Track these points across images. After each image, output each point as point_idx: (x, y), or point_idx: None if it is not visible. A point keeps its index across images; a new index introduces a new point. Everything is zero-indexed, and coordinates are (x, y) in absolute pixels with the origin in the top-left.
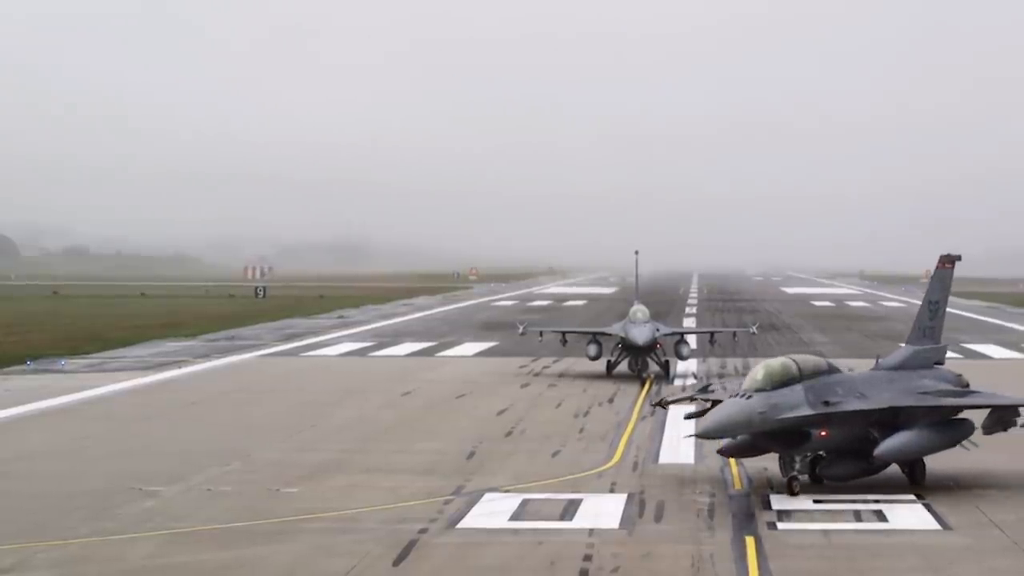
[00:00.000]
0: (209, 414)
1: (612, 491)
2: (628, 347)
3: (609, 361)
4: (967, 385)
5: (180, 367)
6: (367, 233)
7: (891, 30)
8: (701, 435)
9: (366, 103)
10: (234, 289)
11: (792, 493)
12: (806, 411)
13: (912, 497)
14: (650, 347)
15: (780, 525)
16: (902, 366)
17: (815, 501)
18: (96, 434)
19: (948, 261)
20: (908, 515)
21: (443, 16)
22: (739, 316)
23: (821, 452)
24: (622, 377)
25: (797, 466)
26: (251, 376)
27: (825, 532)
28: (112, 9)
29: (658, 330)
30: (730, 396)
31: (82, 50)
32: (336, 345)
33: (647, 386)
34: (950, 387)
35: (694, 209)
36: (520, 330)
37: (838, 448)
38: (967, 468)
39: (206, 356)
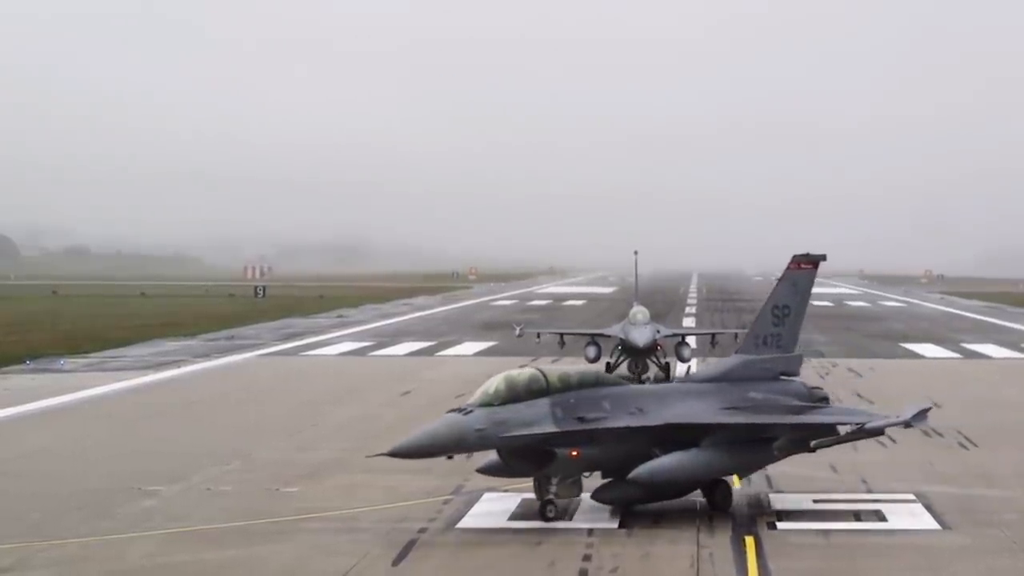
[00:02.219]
0: (209, 414)
1: None
2: (628, 349)
3: (608, 363)
4: (826, 399)
5: (180, 367)
6: (366, 233)
7: (891, 30)
8: (393, 454)
9: (366, 103)
10: (234, 289)
11: (545, 519)
12: (548, 428)
13: (911, 497)
14: (650, 349)
15: (780, 525)
16: (725, 377)
17: (814, 501)
18: (96, 434)
19: (805, 261)
20: (907, 515)
21: (443, 17)
22: (739, 316)
23: (585, 474)
24: (622, 372)
25: (553, 489)
26: (251, 376)
27: (824, 532)
28: (112, 10)
29: (658, 331)
30: (448, 412)
31: (82, 51)
32: (336, 345)
33: None
34: (793, 401)
35: (694, 209)
36: (517, 331)
37: (605, 469)
38: (967, 468)
39: (206, 356)
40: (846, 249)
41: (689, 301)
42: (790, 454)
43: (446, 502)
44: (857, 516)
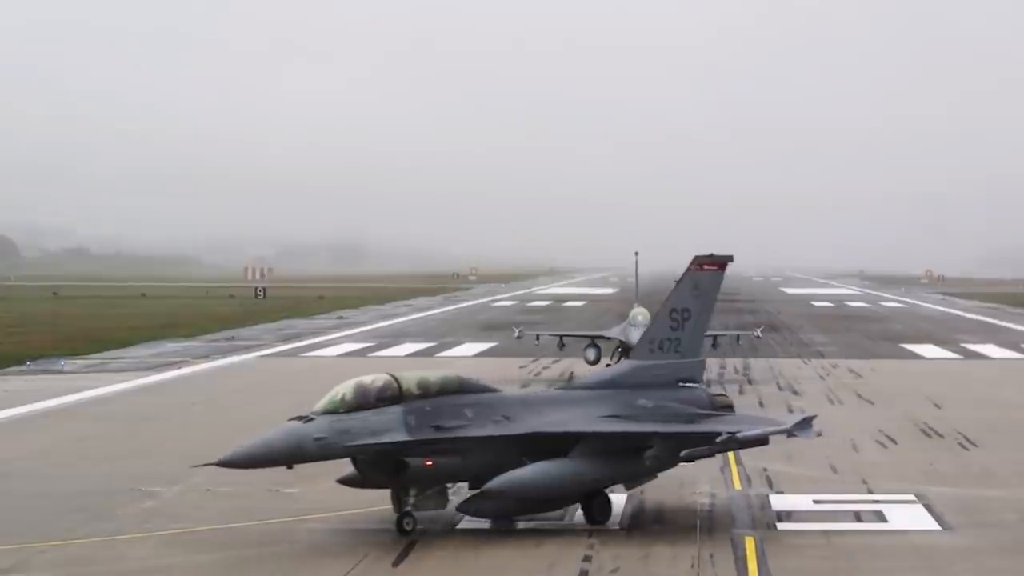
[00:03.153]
0: (209, 414)
1: (611, 491)
2: (627, 351)
3: (608, 365)
4: (730, 406)
5: (180, 367)
6: (367, 234)
7: (892, 34)
8: (224, 463)
9: (366, 104)
10: (234, 290)
11: (402, 532)
12: (399, 437)
13: (912, 497)
14: None
15: (780, 525)
16: (612, 384)
17: (815, 502)
18: (96, 434)
19: (709, 263)
20: (907, 515)
21: (445, 19)
22: (739, 316)
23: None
24: None
25: (412, 501)
26: (251, 376)
27: (825, 532)
28: (113, 13)
29: None
30: (289, 420)
31: (83, 53)
32: (336, 346)
33: None
34: (691, 409)
35: (694, 210)
36: (516, 333)
37: (468, 480)
38: (967, 468)
39: (206, 356)
40: (846, 250)
41: None
42: (667, 465)
43: None
44: (858, 517)
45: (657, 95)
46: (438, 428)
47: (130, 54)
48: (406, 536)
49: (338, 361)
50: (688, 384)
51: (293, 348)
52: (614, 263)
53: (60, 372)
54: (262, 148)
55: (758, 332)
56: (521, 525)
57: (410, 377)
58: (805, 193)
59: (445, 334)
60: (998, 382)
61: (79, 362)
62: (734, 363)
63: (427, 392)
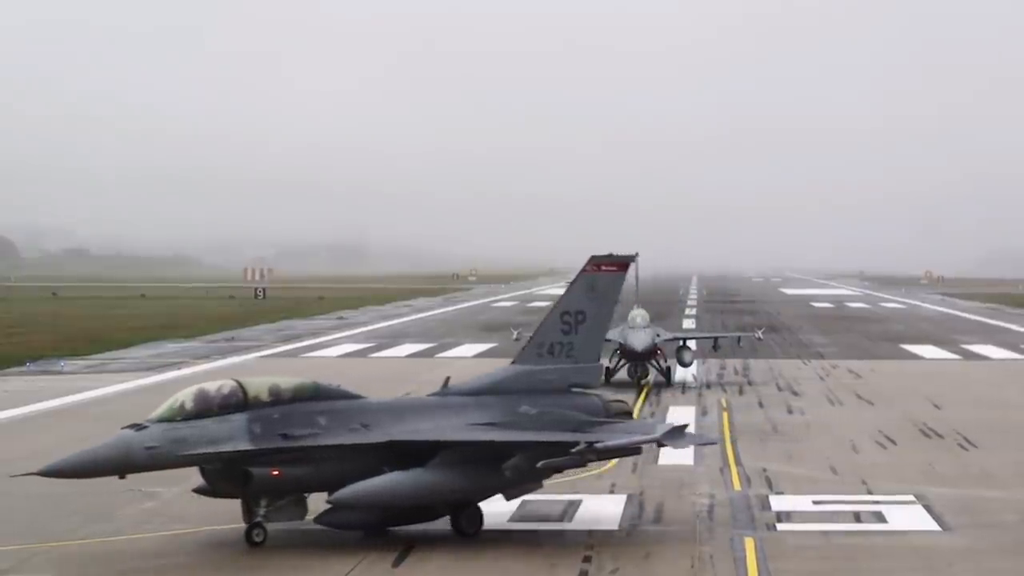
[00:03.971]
0: None
1: (612, 492)
2: (626, 353)
3: (608, 368)
4: (628, 413)
5: (180, 368)
6: (367, 234)
7: (891, 34)
8: (46, 473)
9: (367, 105)
10: (234, 290)
11: (251, 543)
12: (241, 446)
13: (911, 498)
14: (649, 353)
15: (779, 526)
16: (493, 389)
17: (815, 502)
18: (96, 435)
19: (608, 263)
20: (907, 516)
21: (446, 20)
22: (739, 317)
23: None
24: (622, 383)
25: (262, 511)
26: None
27: (824, 533)
28: (112, 13)
29: (658, 335)
30: (123, 428)
31: (82, 53)
32: (336, 346)
33: (644, 394)
34: (582, 416)
35: (694, 211)
36: (515, 335)
37: (323, 491)
38: (967, 469)
39: (206, 357)
40: (846, 251)
41: (689, 303)
42: (530, 476)
43: None
44: (857, 517)
45: (657, 95)
46: (286, 436)
47: (130, 54)
48: (256, 547)
49: (338, 361)
50: (581, 390)
51: (293, 348)
52: None
53: (60, 373)
54: (262, 148)
55: (759, 334)
56: (520, 526)
57: (258, 383)
58: (805, 193)
59: (445, 335)
60: (998, 383)
61: (79, 363)
62: (734, 364)
63: (278, 399)
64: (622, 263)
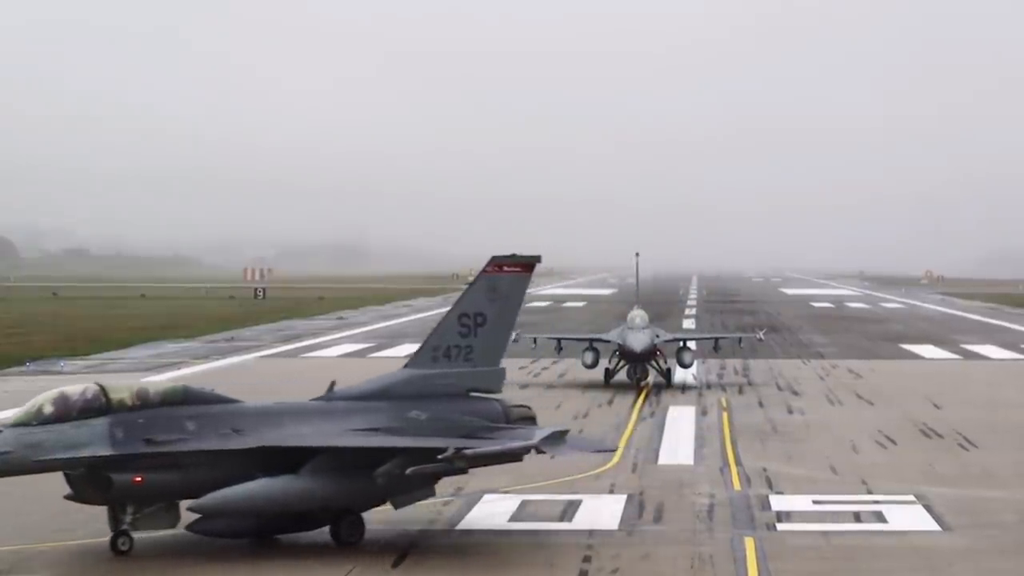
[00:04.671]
0: None
1: (611, 492)
2: (625, 354)
3: (607, 369)
4: (531, 419)
5: (180, 368)
6: (366, 235)
7: (891, 34)
8: None
9: (367, 105)
10: (234, 290)
11: (116, 551)
12: (101, 451)
13: (912, 498)
14: (649, 354)
15: (779, 526)
16: (382, 394)
17: (815, 502)
18: None
19: (510, 264)
20: (907, 516)
21: (446, 20)
22: (739, 317)
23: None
24: (621, 384)
25: (128, 519)
26: (251, 377)
27: (824, 533)
28: (113, 13)
29: (657, 336)
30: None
31: (82, 53)
32: (336, 346)
33: (643, 395)
34: (479, 422)
35: (694, 211)
36: (513, 336)
37: (192, 498)
38: (967, 469)
39: (206, 357)
40: (846, 251)
41: (689, 303)
42: (400, 484)
43: (446, 503)
44: (857, 517)
45: (657, 96)
46: (149, 442)
47: (130, 54)
48: (121, 556)
49: (338, 362)
50: (480, 395)
51: (293, 349)
52: (614, 264)
53: (60, 373)
54: (262, 149)
55: (760, 335)
56: (520, 526)
57: (122, 387)
58: (805, 193)
59: None
60: (998, 383)
61: (79, 363)
62: (734, 364)
63: (144, 403)
64: (526, 264)
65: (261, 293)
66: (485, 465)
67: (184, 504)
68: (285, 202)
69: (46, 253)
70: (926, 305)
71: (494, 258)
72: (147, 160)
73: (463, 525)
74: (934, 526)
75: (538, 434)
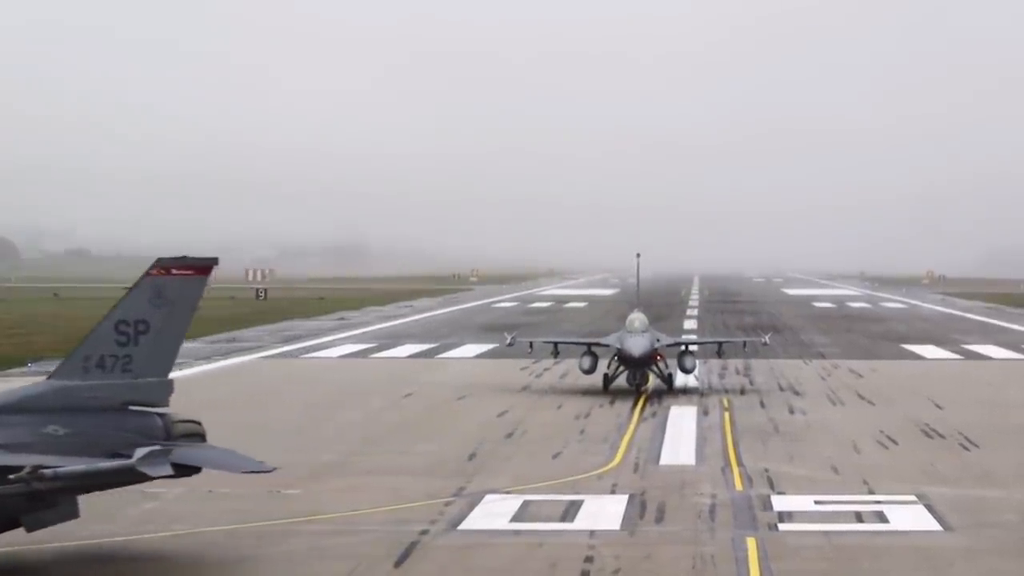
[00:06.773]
0: (209, 416)
1: (613, 492)
2: (624, 359)
3: (606, 375)
4: (200, 435)
5: (180, 369)
6: (368, 235)
7: (891, 34)
8: None
9: (367, 106)
10: (235, 291)
11: None
12: None
13: (913, 498)
14: (648, 359)
15: (781, 526)
16: (19, 407)
17: (816, 502)
18: None
19: (180, 266)
20: (909, 516)
21: (446, 21)
22: (740, 318)
23: None
24: (620, 389)
25: None
26: (252, 378)
27: (826, 533)
28: (113, 13)
29: (657, 340)
30: None
31: (83, 54)
32: (337, 347)
33: (642, 402)
34: (134, 439)
35: (695, 212)
36: (508, 340)
37: None
38: (968, 469)
39: (207, 358)
40: (847, 251)
41: (691, 303)
42: (33, 506)
43: (448, 504)
44: (859, 517)
45: (657, 96)
46: None
47: (130, 54)
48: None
49: (339, 362)
50: (139, 409)
51: (294, 349)
52: (614, 264)
53: None
54: (262, 149)
55: (766, 339)
56: (521, 526)
57: None
58: (806, 194)
59: (446, 335)
60: (999, 383)
61: None
62: (735, 364)
63: None
64: (200, 267)
65: (262, 294)
66: (85, 490)
67: None
68: (286, 203)
69: (47, 254)
70: (927, 305)
71: (159, 260)
72: (148, 161)
73: (465, 525)
74: (936, 526)
75: (139, 452)
